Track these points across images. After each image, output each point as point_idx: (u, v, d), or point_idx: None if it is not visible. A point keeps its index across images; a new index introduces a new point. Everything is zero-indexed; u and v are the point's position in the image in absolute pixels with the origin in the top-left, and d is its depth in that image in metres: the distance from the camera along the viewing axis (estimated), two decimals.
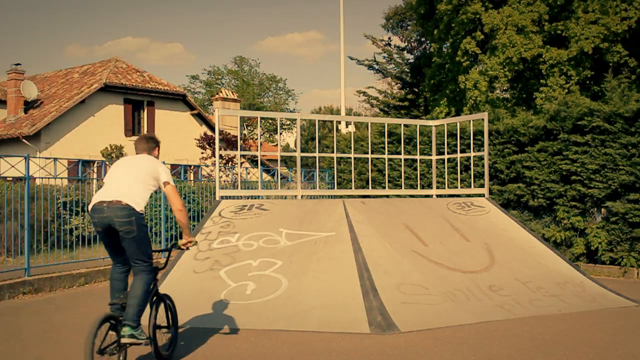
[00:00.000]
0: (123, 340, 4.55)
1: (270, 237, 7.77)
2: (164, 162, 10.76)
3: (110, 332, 4.49)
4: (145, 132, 25.64)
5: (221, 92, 29.10)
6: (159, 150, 5.29)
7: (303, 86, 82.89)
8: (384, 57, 32.20)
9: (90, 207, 4.71)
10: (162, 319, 5.13)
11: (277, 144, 41.11)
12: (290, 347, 5.59)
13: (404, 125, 12.25)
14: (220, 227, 8.09)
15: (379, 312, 6.20)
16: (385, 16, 32.88)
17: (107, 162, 11.05)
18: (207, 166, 15.01)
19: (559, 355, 5.29)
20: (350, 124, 18.51)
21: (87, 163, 14.77)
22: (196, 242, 5.26)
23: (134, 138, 24.96)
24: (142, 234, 4.67)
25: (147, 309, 4.88)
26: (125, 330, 4.55)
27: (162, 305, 5.14)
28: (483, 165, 10.48)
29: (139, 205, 4.66)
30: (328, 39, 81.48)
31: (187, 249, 5.21)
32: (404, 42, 32.58)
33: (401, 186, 10.91)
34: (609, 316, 6.81)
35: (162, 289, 7.17)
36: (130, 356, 4.98)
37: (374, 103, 32.61)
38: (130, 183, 4.75)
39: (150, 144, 5.20)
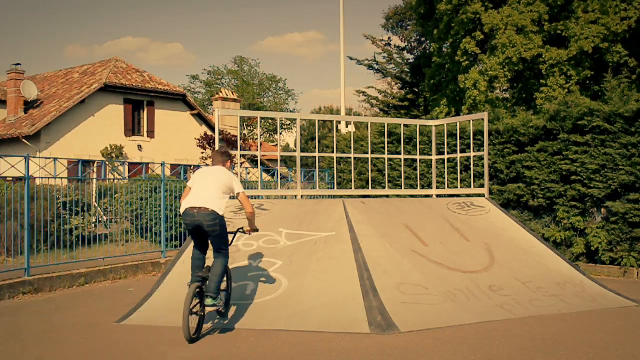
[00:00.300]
0: (207, 309, 6.08)
1: (270, 237, 7.77)
2: (163, 163, 10.71)
3: (196, 302, 5.90)
4: (145, 132, 25.69)
5: (221, 92, 29.10)
6: (231, 162, 6.62)
7: (303, 86, 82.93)
8: (384, 57, 32.22)
9: (182, 210, 6.04)
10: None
11: (277, 144, 41.11)
12: (290, 347, 5.60)
13: (404, 125, 12.25)
14: None
15: (379, 312, 6.20)
16: (385, 16, 32.91)
17: (107, 162, 11.06)
18: (207, 166, 15.01)
19: (559, 355, 5.29)
20: (350, 124, 18.51)
21: (87, 163, 14.78)
22: (257, 230, 6.55)
23: (134, 138, 25.13)
24: (223, 231, 6.05)
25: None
26: (209, 301, 5.95)
27: (226, 276, 6.40)
28: (483, 165, 10.48)
29: (221, 211, 5.96)
30: (328, 39, 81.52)
31: (250, 234, 6.59)
32: (404, 42, 32.59)
33: (401, 186, 10.91)
34: (609, 316, 6.81)
35: (162, 289, 7.20)
36: None
37: (374, 103, 32.62)
38: (213, 192, 6.00)
39: (224, 157, 6.47)
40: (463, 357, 5.22)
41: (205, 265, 6.21)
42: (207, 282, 6.00)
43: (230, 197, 6.31)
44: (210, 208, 5.87)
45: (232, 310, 6.56)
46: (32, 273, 8.82)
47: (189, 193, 6.15)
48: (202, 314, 6.01)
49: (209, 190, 6.00)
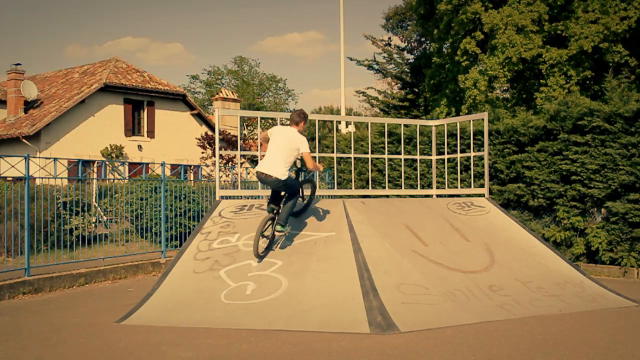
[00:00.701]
0: (276, 234, 7.45)
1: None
2: (163, 163, 10.71)
3: (268, 225, 7.38)
4: (145, 132, 25.70)
5: (221, 92, 29.11)
6: (304, 124, 7.48)
7: (303, 86, 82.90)
8: (384, 57, 32.23)
9: (256, 170, 7.34)
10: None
11: None
12: (290, 347, 5.59)
13: (404, 125, 12.25)
14: (220, 227, 8.09)
15: (379, 312, 6.20)
16: (385, 16, 32.91)
17: (107, 162, 11.06)
18: (207, 166, 15.03)
19: (559, 355, 5.29)
20: (350, 124, 18.50)
21: (87, 163, 14.78)
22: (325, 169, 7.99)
23: (134, 138, 25.15)
24: (291, 184, 7.35)
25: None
26: (278, 227, 7.34)
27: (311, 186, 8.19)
28: (483, 165, 10.48)
29: (284, 176, 7.16)
30: (328, 39, 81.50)
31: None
32: (404, 42, 32.59)
33: (401, 186, 10.91)
34: (609, 316, 6.81)
35: (162, 289, 7.20)
36: None
37: (374, 103, 32.62)
38: (278, 157, 7.18)
39: (299, 118, 7.45)
40: (463, 357, 5.22)
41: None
42: (280, 214, 7.38)
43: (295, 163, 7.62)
44: (274, 175, 7.11)
45: (232, 309, 6.54)
46: (32, 273, 8.82)
47: (266, 149, 7.42)
48: (271, 237, 7.43)
49: (276, 155, 7.20)
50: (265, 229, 7.34)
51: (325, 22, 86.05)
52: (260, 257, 7.23)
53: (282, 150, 7.24)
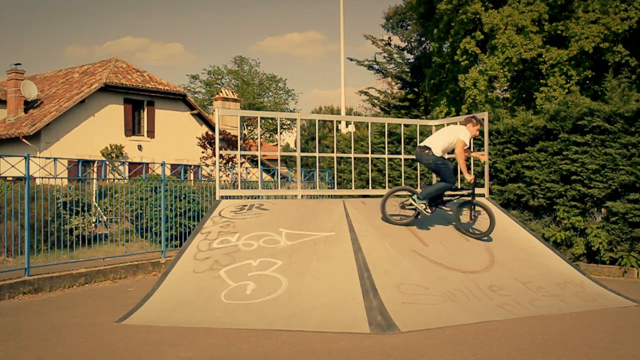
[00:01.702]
0: (408, 201, 8.17)
1: (270, 237, 7.77)
2: (163, 163, 10.69)
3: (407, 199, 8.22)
4: (145, 132, 25.70)
5: (221, 92, 29.10)
6: (472, 125, 8.27)
7: (303, 86, 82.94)
8: (384, 57, 32.22)
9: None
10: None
11: (277, 144, 41.10)
12: (290, 347, 5.59)
13: (404, 125, 12.25)
14: (220, 227, 8.09)
15: (379, 312, 6.20)
16: (385, 16, 32.91)
17: (107, 162, 11.05)
18: (207, 166, 15.03)
19: (559, 355, 5.29)
20: (350, 123, 18.50)
21: (87, 163, 14.78)
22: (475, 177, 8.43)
23: (134, 138, 25.16)
24: (442, 169, 8.00)
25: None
26: (413, 198, 8.05)
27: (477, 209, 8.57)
28: (483, 165, 10.47)
29: (438, 153, 7.96)
30: (328, 39, 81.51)
31: (474, 184, 8.31)
32: (404, 42, 32.59)
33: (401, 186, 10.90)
34: (609, 316, 6.81)
35: (162, 289, 7.20)
36: None
37: (374, 103, 32.62)
38: (438, 138, 8.13)
39: (466, 121, 8.36)
40: (463, 357, 5.22)
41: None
42: (423, 190, 8.08)
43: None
44: (431, 148, 8.00)
45: (232, 309, 6.54)
46: (32, 273, 8.82)
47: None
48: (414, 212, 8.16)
49: (436, 136, 8.18)
50: (404, 198, 8.23)
51: (325, 22, 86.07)
52: (386, 220, 8.09)
53: (443, 135, 8.14)
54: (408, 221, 8.16)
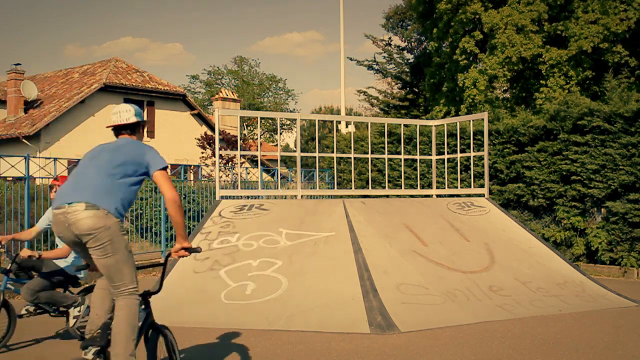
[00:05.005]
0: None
1: (270, 237, 7.76)
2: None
3: None
4: (145, 132, 25.69)
5: (221, 92, 29.09)
6: None
7: (303, 86, 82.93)
8: (384, 57, 32.20)
9: None
10: None
11: (277, 144, 41.09)
12: (290, 347, 5.59)
13: (404, 125, 12.25)
14: (220, 227, 8.09)
15: (379, 312, 6.20)
16: (385, 16, 32.88)
17: None
18: (207, 166, 15.03)
19: (559, 355, 5.29)
20: (350, 124, 18.50)
21: None
22: None
23: None
24: None
25: None
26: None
27: None
28: (483, 165, 10.48)
29: None
30: (328, 39, 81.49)
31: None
32: (404, 42, 32.56)
33: (401, 186, 10.91)
34: (609, 316, 6.81)
35: (162, 288, 7.18)
36: None
37: (374, 103, 32.61)
38: None
39: None
40: (463, 357, 5.22)
41: None
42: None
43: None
44: None
45: (232, 309, 6.54)
46: None
47: None
48: None
49: None
50: None
51: (325, 22, 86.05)
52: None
53: None
54: None
